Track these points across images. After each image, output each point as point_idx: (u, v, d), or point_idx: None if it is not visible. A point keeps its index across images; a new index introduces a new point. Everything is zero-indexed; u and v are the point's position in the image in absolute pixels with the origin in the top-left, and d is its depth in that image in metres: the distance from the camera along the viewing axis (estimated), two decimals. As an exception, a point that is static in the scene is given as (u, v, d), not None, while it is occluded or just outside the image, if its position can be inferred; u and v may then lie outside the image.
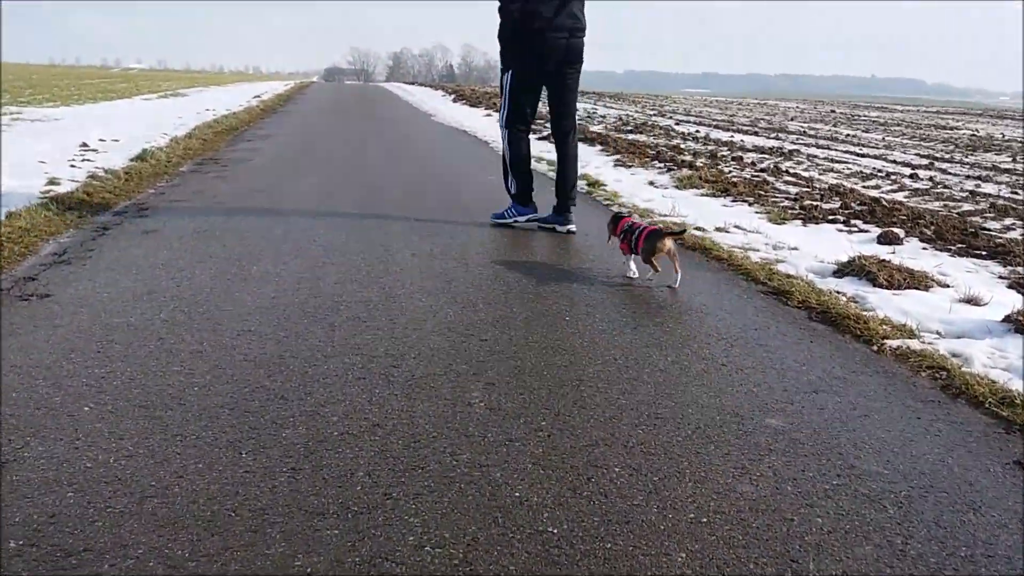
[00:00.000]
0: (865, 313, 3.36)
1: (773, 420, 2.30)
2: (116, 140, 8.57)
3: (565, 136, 5.03)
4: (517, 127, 4.99)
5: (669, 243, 3.67)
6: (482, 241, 4.61)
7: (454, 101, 24.82)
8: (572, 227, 4.95)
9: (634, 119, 18.65)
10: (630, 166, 8.83)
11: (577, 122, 5.14)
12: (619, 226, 3.94)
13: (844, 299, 3.61)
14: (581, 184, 7.23)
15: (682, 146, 11.57)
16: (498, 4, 4.70)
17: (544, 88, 4.94)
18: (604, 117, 18.83)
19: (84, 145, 7.86)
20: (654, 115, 21.61)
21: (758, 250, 4.57)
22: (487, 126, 14.56)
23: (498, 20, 4.79)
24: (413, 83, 62.28)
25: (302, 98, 24.25)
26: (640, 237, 3.74)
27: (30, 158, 6.83)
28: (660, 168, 8.46)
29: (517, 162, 5.01)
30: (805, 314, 3.39)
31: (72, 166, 6.57)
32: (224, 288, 3.40)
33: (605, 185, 7.19)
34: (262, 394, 2.32)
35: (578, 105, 5.30)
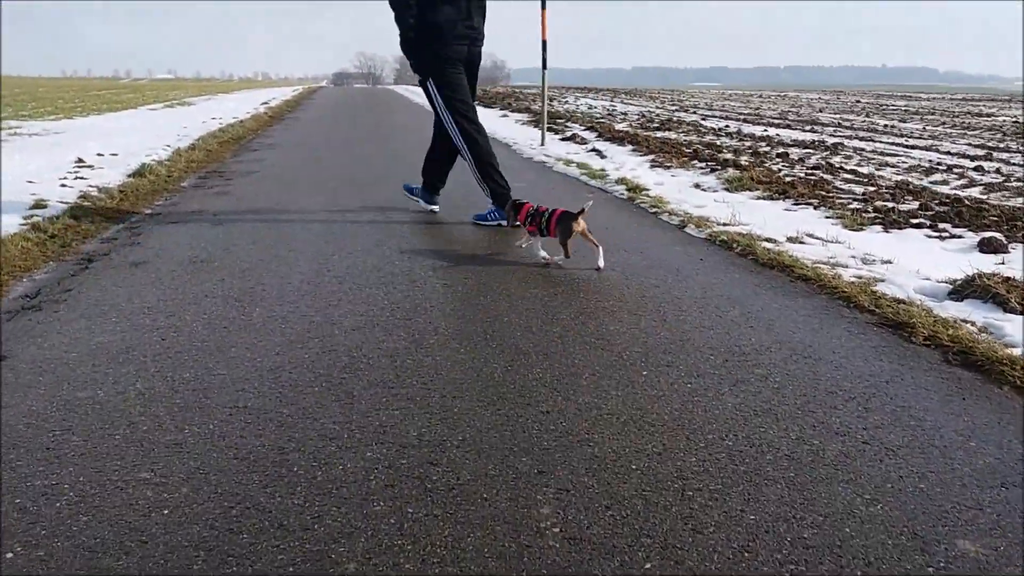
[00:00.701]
0: (1013, 351, 2.68)
1: (967, 543, 1.64)
2: (115, 154, 8.00)
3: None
4: (465, 128, 4.83)
5: (582, 223, 3.81)
6: (525, 267, 3.97)
7: (470, 100, 24.24)
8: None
9: (657, 115, 17.93)
10: (668, 167, 8.16)
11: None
12: (522, 212, 4.11)
13: (975, 330, 2.94)
14: (620, 189, 6.60)
15: (717, 143, 10.87)
16: (393, 15, 4.57)
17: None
18: (625, 114, 18.14)
19: (80, 161, 7.30)
20: (676, 110, 20.87)
21: (847, 266, 3.88)
22: (505, 127, 13.92)
23: (397, 32, 4.67)
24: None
25: (310, 104, 23.66)
26: (551, 221, 3.90)
27: (19, 177, 6.27)
28: (702, 168, 7.78)
29: (482, 163, 4.88)
30: (939, 355, 2.71)
31: (63, 185, 5.99)
32: (218, 342, 2.78)
33: (647, 189, 6.52)
34: (253, 519, 1.68)
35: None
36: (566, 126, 13.38)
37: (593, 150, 9.75)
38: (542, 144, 10.63)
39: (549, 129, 12.79)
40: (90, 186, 6.05)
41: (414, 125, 14.91)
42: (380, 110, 20.46)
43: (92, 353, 2.68)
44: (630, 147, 10.15)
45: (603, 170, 7.89)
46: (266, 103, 19.80)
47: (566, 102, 24.87)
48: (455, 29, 4.61)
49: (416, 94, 33.65)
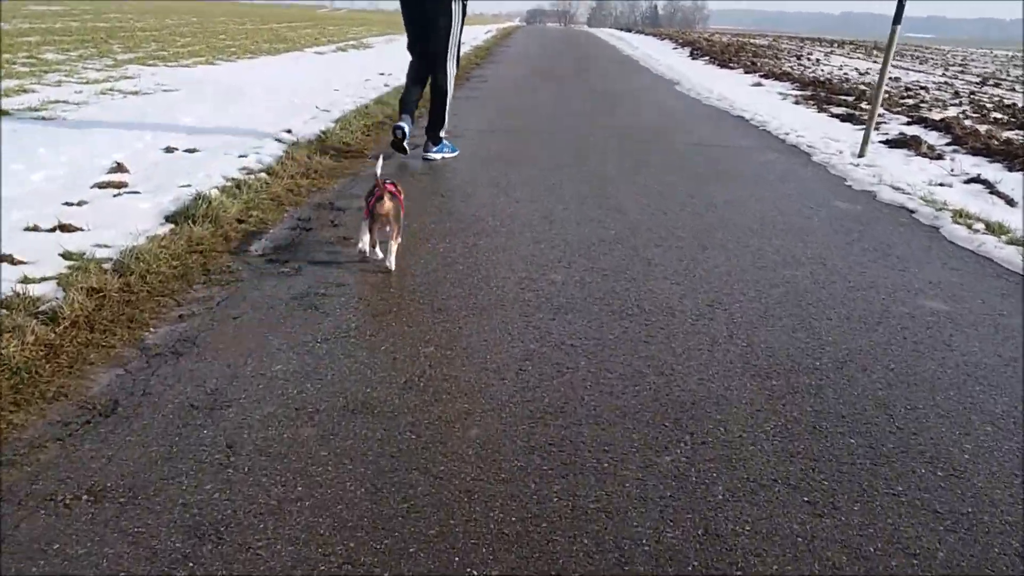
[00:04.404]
0: None
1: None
2: (193, 150, 4.89)
3: (432, 77, 5.40)
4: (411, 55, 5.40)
5: (388, 204, 2.94)
6: None
7: (692, 57, 19.70)
8: (428, 156, 5.39)
9: (968, 93, 12.95)
10: None
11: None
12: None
13: None
14: None
15: None
16: None
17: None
18: (926, 88, 13.19)
19: (117, 168, 4.23)
20: (980, 84, 15.56)
21: None
22: (771, 105, 9.77)
23: None
24: (630, 30, 56.33)
25: (502, 54, 18.72)
26: (372, 198, 2.99)
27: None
28: None
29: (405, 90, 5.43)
30: None
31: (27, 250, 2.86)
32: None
33: None
34: None
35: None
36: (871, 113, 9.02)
37: (977, 181, 5.59)
38: (861, 155, 6.57)
39: (846, 117, 8.61)
40: (75, 253, 2.89)
41: (641, 85, 10.58)
42: (590, 67, 16.67)
43: None
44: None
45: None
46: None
47: (816, 61, 19.88)
48: None
49: (627, 43, 29.18)
